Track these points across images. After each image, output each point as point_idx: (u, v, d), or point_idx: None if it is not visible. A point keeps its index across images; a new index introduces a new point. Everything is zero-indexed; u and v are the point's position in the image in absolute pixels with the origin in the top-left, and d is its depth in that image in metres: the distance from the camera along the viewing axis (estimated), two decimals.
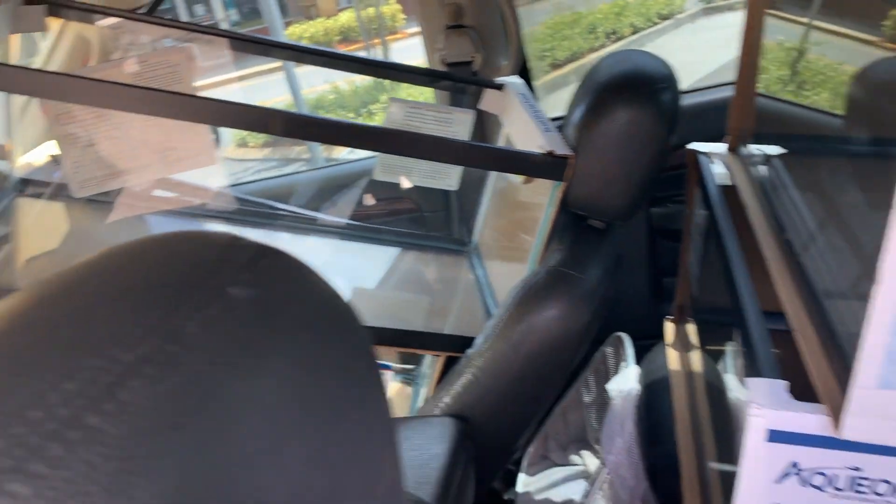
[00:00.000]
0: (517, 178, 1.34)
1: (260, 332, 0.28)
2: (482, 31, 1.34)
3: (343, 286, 1.39)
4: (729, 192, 1.07)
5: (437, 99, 1.47)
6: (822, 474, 0.62)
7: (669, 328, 1.36)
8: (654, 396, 1.22)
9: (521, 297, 0.97)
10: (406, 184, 1.27)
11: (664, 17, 6.92)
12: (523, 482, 1.54)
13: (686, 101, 1.58)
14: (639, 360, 1.40)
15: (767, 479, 0.64)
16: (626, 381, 1.33)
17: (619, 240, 1.56)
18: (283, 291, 0.30)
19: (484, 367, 0.99)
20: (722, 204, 1.05)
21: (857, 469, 0.61)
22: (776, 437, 0.62)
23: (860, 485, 0.62)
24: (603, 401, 1.44)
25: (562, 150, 1.00)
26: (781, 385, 0.64)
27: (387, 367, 1.20)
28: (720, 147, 1.19)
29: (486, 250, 1.41)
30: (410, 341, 1.19)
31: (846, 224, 0.76)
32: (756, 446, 0.63)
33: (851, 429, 0.58)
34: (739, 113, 1.14)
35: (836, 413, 0.59)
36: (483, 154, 1.04)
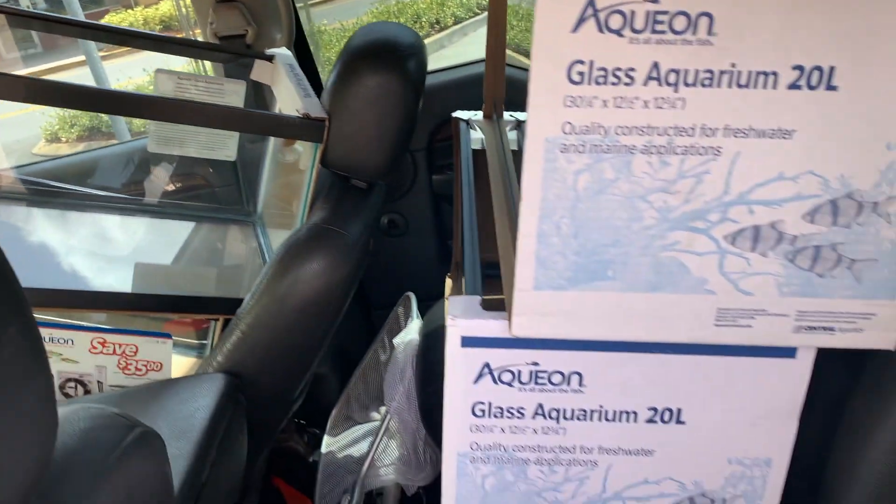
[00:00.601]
0: (291, 148, 1.39)
1: None
2: (253, 5, 1.37)
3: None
4: (481, 154, 1.17)
5: (216, 73, 1.49)
6: (510, 371, 0.73)
7: (448, 283, 1.46)
8: (430, 344, 1.31)
9: (284, 254, 1.03)
10: (182, 153, 1.28)
11: (484, 9, 7.19)
12: (326, 443, 1.59)
13: (468, 72, 1.70)
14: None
15: (467, 381, 0.74)
16: (408, 334, 1.42)
17: (405, 207, 1.66)
18: None
19: (252, 323, 1.03)
20: (469, 166, 1.16)
21: (535, 364, 0.73)
22: (468, 342, 0.72)
23: (539, 377, 0.73)
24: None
25: (317, 113, 1.07)
26: (476, 300, 0.74)
27: (167, 336, 1.22)
28: (479, 114, 1.29)
29: (269, 218, 1.46)
30: (188, 306, 1.22)
31: None
32: (454, 352, 0.73)
33: (518, 326, 0.69)
34: (491, 82, 1.24)
35: (511, 317, 0.69)
36: (243, 118, 1.09)
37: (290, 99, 1.16)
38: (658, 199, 0.62)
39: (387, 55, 1.05)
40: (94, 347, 1.19)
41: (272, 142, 1.45)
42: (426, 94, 1.54)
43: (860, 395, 0.72)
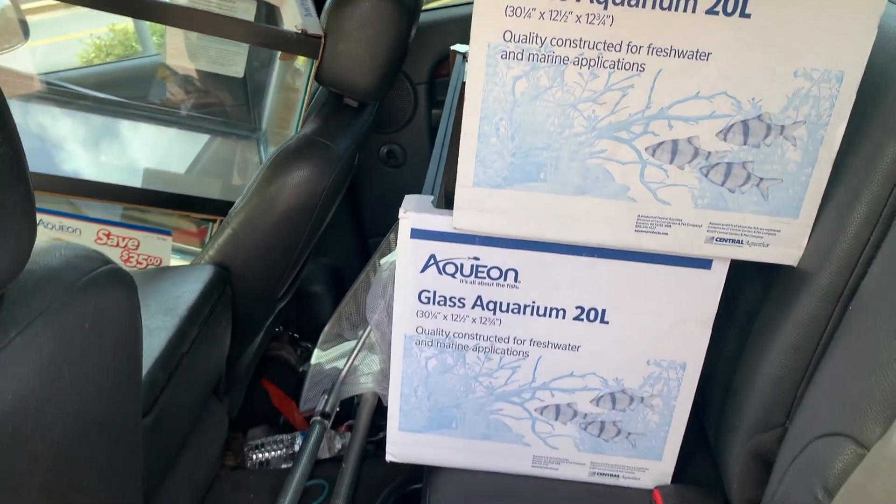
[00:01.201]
0: (295, 69, 1.47)
1: None
2: None
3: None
4: None
5: None
6: (453, 264, 0.81)
7: None
8: None
9: (274, 160, 1.11)
10: (194, 66, 1.37)
11: None
12: (316, 356, 1.70)
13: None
14: None
15: (415, 270, 0.82)
16: (393, 256, 1.51)
17: (401, 140, 1.73)
18: None
19: (242, 221, 1.12)
20: (455, 95, 1.23)
21: (476, 258, 0.81)
22: (417, 234, 0.80)
23: (479, 271, 0.81)
24: None
25: (314, 30, 1.14)
26: (428, 199, 0.82)
27: (167, 234, 1.32)
28: None
29: (271, 136, 1.55)
30: (189, 204, 1.31)
31: None
32: (405, 242, 0.81)
33: (459, 220, 0.77)
34: None
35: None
36: (245, 29, 1.16)
37: (292, 17, 1.24)
38: (587, 108, 0.70)
39: None
40: (100, 238, 1.29)
41: (278, 64, 1.53)
42: (429, 29, 1.61)
43: (766, 307, 0.80)
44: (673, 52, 0.66)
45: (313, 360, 1.69)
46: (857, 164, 0.68)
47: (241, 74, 1.42)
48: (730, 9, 0.64)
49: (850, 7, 0.63)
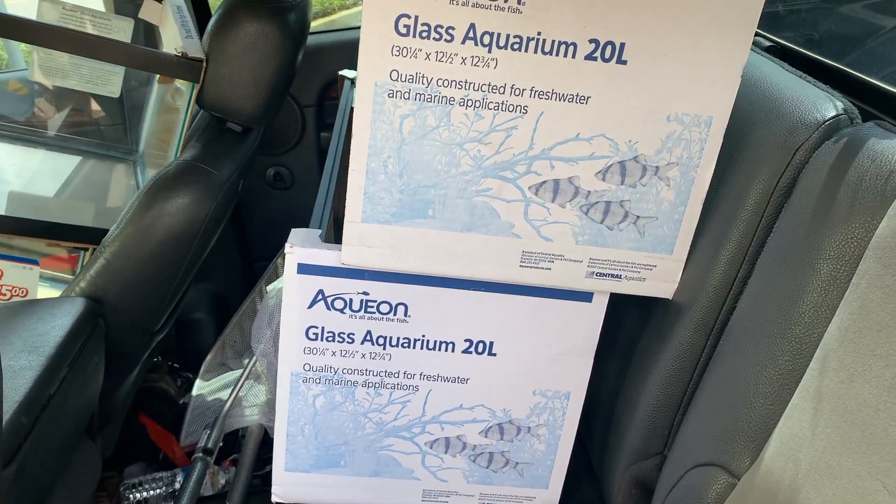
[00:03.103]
0: (176, 90, 1.42)
1: None
2: None
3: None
4: None
5: (107, 9, 1.49)
6: (342, 299, 0.80)
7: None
8: None
9: (151, 187, 1.06)
10: (63, 85, 1.29)
11: None
12: (198, 386, 1.63)
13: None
14: None
15: (302, 305, 0.80)
16: (281, 282, 1.47)
17: (291, 163, 1.70)
18: None
19: (117, 251, 1.06)
20: (344, 120, 1.22)
21: (365, 293, 0.80)
22: (304, 269, 0.79)
23: (369, 306, 0.81)
24: None
25: (195, 53, 1.10)
26: (315, 233, 0.81)
27: (34, 263, 1.23)
28: None
29: (149, 158, 1.49)
30: (59, 233, 1.23)
31: None
32: (291, 278, 0.79)
33: (347, 256, 0.76)
34: None
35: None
36: (121, 51, 1.11)
37: (172, 38, 1.19)
38: (473, 147, 0.70)
39: (268, 4, 1.09)
40: None
41: (156, 84, 1.47)
42: (317, 52, 1.59)
43: (645, 338, 0.83)
44: (554, 95, 0.68)
45: (195, 392, 1.62)
46: (726, 203, 0.72)
47: (117, 94, 1.35)
48: (607, 55, 0.67)
49: (717, 57, 0.67)
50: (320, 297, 0.80)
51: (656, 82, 0.68)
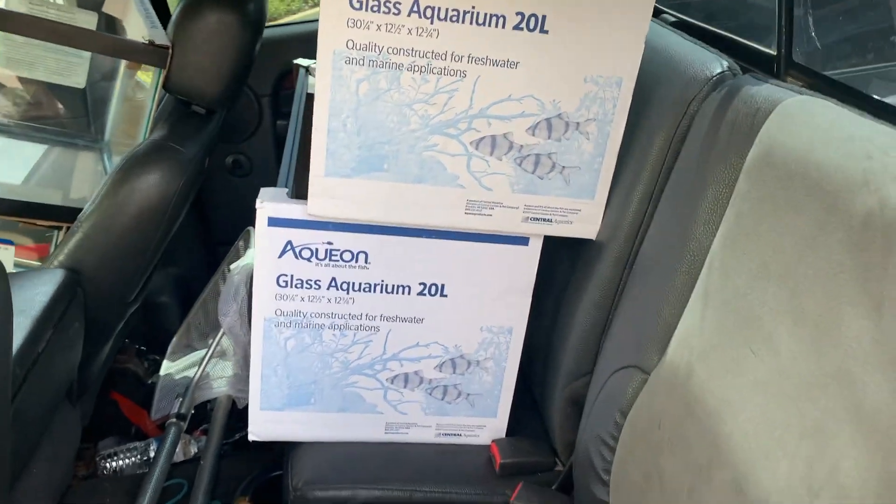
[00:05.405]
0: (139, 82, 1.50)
1: None
2: None
3: None
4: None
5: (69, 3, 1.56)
6: (309, 249, 0.90)
7: None
8: None
9: (125, 164, 1.15)
10: (30, 76, 1.36)
11: None
12: (165, 367, 1.70)
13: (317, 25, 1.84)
14: None
15: (272, 256, 0.90)
16: (244, 261, 1.56)
17: (247, 150, 1.79)
18: None
19: (93, 225, 1.14)
20: (300, 106, 1.31)
21: (330, 243, 0.90)
22: (274, 222, 0.89)
23: (333, 254, 0.91)
24: None
25: (161, 41, 1.19)
26: (283, 191, 0.91)
27: (8, 243, 1.30)
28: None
29: (115, 147, 1.56)
30: (32, 212, 1.31)
31: None
32: (262, 230, 0.89)
33: (313, 207, 0.86)
34: None
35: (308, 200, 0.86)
36: (93, 38, 1.19)
37: (137, 28, 1.28)
38: (420, 108, 0.82)
39: None
40: None
41: (121, 76, 1.54)
42: (275, 43, 1.69)
43: (574, 275, 0.95)
44: (488, 61, 0.80)
45: (162, 372, 1.68)
46: (636, 153, 0.85)
47: (82, 85, 1.43)
48: (532, 25, 0.79)
49: (624, 26, 0.80)
50: (289, 247, 0.90)
51: (574, 49, 0.81)
